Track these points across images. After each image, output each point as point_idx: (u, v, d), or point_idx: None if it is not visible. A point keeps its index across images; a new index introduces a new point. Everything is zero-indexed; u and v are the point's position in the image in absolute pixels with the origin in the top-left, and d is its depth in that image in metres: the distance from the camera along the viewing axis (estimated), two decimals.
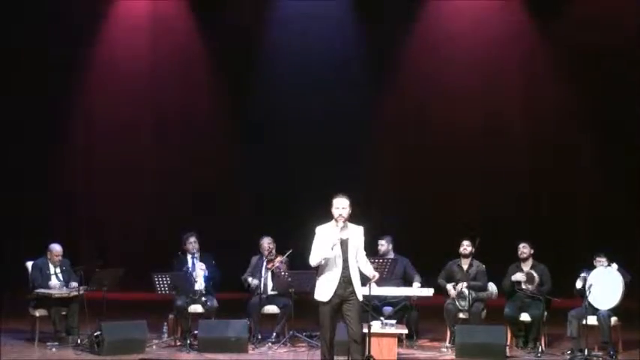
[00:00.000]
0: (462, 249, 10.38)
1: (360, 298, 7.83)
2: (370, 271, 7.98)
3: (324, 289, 7.78)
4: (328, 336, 7.82)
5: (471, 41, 14.48)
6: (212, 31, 14.70)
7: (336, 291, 7.74)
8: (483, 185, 14.59)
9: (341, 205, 7.78)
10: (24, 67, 14.27)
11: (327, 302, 7.75)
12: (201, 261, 10.37)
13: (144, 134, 14.88)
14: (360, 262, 7.90)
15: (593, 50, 13.79)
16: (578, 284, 9.60)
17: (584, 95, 14.28)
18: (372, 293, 8.49)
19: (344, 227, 7.79)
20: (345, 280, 7.75)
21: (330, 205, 7.85)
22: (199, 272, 10.27)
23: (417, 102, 14.71)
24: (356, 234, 7.88)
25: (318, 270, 7.89)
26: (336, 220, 7.80)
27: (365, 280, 8.06)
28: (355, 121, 14.51)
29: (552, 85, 14.41)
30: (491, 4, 14.60)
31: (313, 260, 7.85)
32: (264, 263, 10.40)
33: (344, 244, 7.78)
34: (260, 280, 10.27)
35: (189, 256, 10.39)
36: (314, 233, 7.88)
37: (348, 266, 7.77)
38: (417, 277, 10.34)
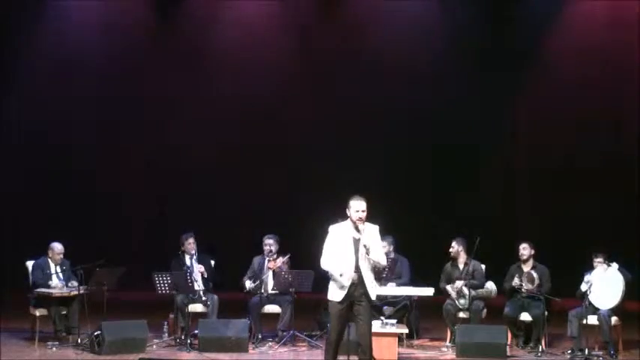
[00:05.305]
0: (450, 250, 10.40)
1: (373, 297, 7.81)
2: (379, 257, 7.85)
3: (337, 290, 7.76)
4: (334, 337, 7.82)
5: None
6: None
7: (348, 292, 7.72)
8: (483, 185, 14.60)
9: (361, 209, 7.77)
10: None
11: (339, 302, 7.74)
12: (199, 262, 10.38)
13: (144, 133, 14.86)
14: (370, 254, 7.75)
15: None
16: (583, 287, 9.60)
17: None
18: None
19: (362, 230, 7.79)
20: (358, 282, 7.72)
21: (344, 204, 7.84)
22: (198, 274, 10.28)
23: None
24: (371, 234, 7.85)
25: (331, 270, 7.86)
26: (354, 223, 7.79)
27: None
28: (355, 121, 14.52)
29: None
30: None
31: (325, 266, 7.85)
32: (266, 263, 10.40)
33: (356, 244, 7.76)
34: (261, 280, 10.27)
35: (187, 257, 10.41)
36: (326, 232, 7.89)
37: (359, 267, 7.73)
38: (403, 280, 10.38)
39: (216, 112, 14.74)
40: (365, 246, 7.71)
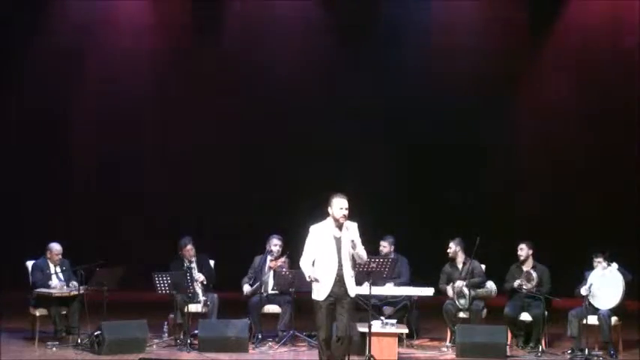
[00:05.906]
0: (448, 250, 10.41)
1: (352, 295, 7.90)
2: (362, 252, 7.95)
3: (321, 288, 7.86)
4: (323, 335, 7.92)
5: None
6: None
7: (332, 289, 7.83)
8: (483, 185, 14.60)
9: (344, 206, 7.88)
10: None
11: (324, 301, 7.84)
12: (198, 263, 10.37)
13: (145, 132, 14.86)
14: (357, 249, 7.88)
15: None
16: (583, 291, 9.59)
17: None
18: (373, 293, 8.58)
19: (344, 228, 7.88)
20: (339, 279, 7.85)
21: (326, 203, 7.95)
22: (198, 281, 10.29)
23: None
24: (350, 230, 7.93)
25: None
26: (337, 221, 7.88)
27: (361, 278, 8.16)
28: (355, 119, 14.53)
29: None
30: None
31: (303, 267, 8.01)
32: (268, 262, 10.39)
33: (338, 242, 7.88)
34: (262, 280, 10.26)
35: (186, 262, 10.37)
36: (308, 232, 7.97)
37: (342, 265, 7.86)
38: (403, 279, 10.39)
39: (216, 112, 14.74)
40: (353, 241, 7.82)
